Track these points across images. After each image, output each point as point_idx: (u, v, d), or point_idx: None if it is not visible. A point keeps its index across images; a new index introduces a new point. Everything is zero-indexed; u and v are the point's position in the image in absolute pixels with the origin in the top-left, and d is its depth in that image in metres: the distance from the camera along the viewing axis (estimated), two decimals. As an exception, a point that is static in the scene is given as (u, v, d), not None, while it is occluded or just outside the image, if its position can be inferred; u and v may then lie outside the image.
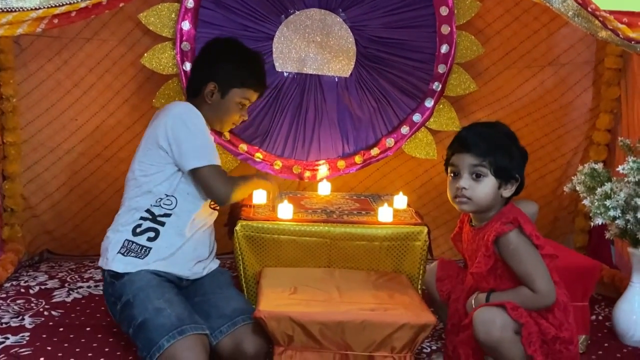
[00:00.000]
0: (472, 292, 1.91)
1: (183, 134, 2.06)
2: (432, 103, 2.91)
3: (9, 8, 1.94)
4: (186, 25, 2.73)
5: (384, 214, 2.32)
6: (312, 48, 2.86)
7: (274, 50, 2.84)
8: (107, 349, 2.08)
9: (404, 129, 2.94)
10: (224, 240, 2.41)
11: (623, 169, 2.17)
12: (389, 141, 2.94)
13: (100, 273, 2.13)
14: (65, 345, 2.10)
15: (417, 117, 2.93)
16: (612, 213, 2.13)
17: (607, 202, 2.14)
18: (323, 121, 2.92)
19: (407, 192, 2.66)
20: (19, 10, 1.95)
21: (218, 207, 2.26)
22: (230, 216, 2.48)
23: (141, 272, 2.02)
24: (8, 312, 2.34)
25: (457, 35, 2.85)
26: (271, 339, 1.88)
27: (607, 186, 2.18)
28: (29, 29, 2.02)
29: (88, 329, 2.22)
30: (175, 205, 2.09)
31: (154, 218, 2.08)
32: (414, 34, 2.86)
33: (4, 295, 2.50)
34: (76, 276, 2.76)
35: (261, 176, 2.36)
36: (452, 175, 1.88)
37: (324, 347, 1.86)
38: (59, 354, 2.03)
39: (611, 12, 2.13)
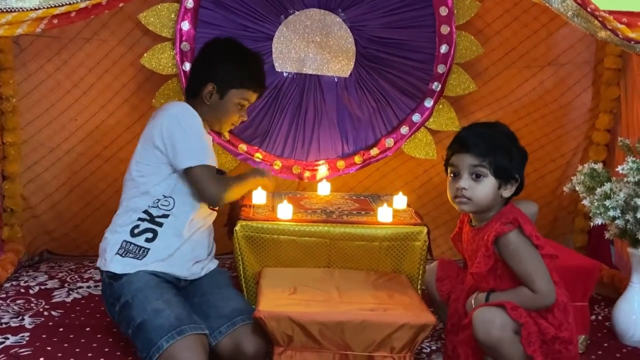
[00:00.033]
0: (472, 292, 1.91)
1: (177, 133, 2.06)
2: (432, 103, 2.91)
3: (9, 8, 1.94)
4: (186, 26, 2.73)
5: (384, 214, 2.32)
6: (312, 48, 2.86)
7: (273, 50, 2.84)
8: (106, 349, 2.08)
9: (404, 129, 2.94)
10: (224, 241, 2.41)
11: (622, 169, 2.17)
12: (389, 141, 2.94)
13: (100, 273, 2.12)
14: (65, 345, 2.10)
15: (416, 117, 2.93)
16: (611, 213, 2.13)
17: (607, 202, 2.14)
18: (322, 121, 2.92)
19: (406, 192, 2.66)
20: (19, 11, 1.95)
21: (217, 208, 2.26)
22: (229, 216, 2.48)
23: (139, 273, 2.01)
24: (8, 312, 2.34)
25: (457, 36, 2.85)
26: (271, 339, 1.88)
27: (607, 186, 2.18)
28: (29, 29, 2.02)
29: (88, 329, 2.22)
30: (173, 207, 2.08)
31: (151, 219, 2.07)
32: (413, 34, 2.86)
33: (3, 296, 2.50)
34: (76, 276, 2.76)
35: (257, 172, 2.32)
36: (452, 175, 1.88)
37: (323, 347, 1.86)
38: (59, 354, 2.03)
39: (610, 12, 2.13)
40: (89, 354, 2.04)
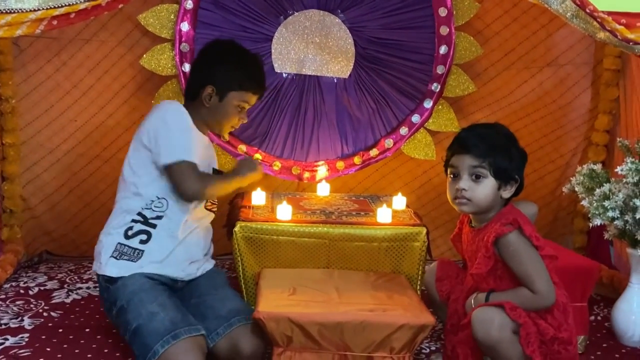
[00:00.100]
0: (471, 292, 1.91)
1: (161, 130, 2.04)
2: (431, 104, 2.92)
3: (8, 9, 1.94)
4: (185, 27, 2.73)
5: (383, 214, 2.32)
6: (311, 49, 2.86)
7: (273, 51, 2.84)
8: (106, 350, 2.08)
9: (403, 130, 2.94)
10: (223, 241, 2.41)
11: (622, 170, 2.17)
12: (388, 142, 2.94)
13: (96, 276, 2.12)
14: (65, 346, 2.10)
15: (416, 118, 2.93)
16: (610, 214, 2.13)
17: (606, 203, 2.14)
18: (322, 122, 2.92)
19: (406, 192, 2.66)
20: (18, 12, 1.95)
21: (215, 209, 2.25)
22: (229, 217, 2.48)
23: (134, 276, 2.00)
24: (7, 313, 2.34)
25: (456, 36, 2.85)
26: (270, 340, 1.88)
27: (606, 187, 2.18)
28: (28, 31, 2.02)
29: (87, 330, 2.22)
30: (167, 208, 2.07)
31: (145, 221, 2.06)
32: (412, 35, 2.87)
33: (3, 296, 2.50)
34: (75, 277, 2.76)
35: (244, 167, 2.20)
36: (451, 176, 1.88)
37: (323, 347, 1.86)
38: (58, 355, 2.03)
39: (609, 13, 2.13)
40: (89, 355, 2.04)
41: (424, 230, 2.28)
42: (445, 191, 1.92)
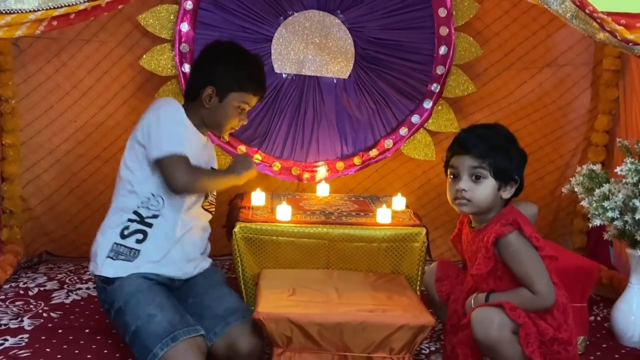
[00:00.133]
0: (471, 293, 1.91)
1: (154, 125, 2.03)
2: (431, 104, 2.92)
3: (8, 10, 1.94)
4: (185, 27, 2.73)
5: (383, 215, 2.32)
6: (311, 49, 2.87)
7: (272, 51, 2.84)
8: (105, 351, 2.08)
9: (403, 131, 2.94)
10: (223, 242, 2.41)
11: (621, 170, 2.17)
12: (388, 142, 2.94)
13: (93, 277, 2.11)
14: (64, 346, 2.10)
15: (415, 119, 2.93)
16: (610, 214, 2.13)
17: (606, 204, 2.14)
18: (322, 122, 2.92)
19: (405, 193, 2.66)
20: (18, 12, 1.94)
21: (213, 209, 2.24)
22: (228, 218, 2.48)
23: (131, 277, 1.99)
24: (7, 313, 2.34)
25: (456, 37, 2.85)
26: (269, 340, 1.88)
27: (606, 187, 2.18)
28: (28, 31, 2.02)
29: (87, 330, 2.22)
30: (163, 206, 2.05)
31: (141, 220, 2.04)
32: (412, 35, 2.87)
33: (2, 297, 2.50)
34: (75, 278, 2.76)
35: (239, 165, 2.18)
36: (451, 177, 1.88)
37: (322, 348, 1.86)
38: (58, 356, 2.03)
39: (609, 14, 2.13)
40: (88, 356, 2.05)
41: (424, 231, 2.28)
42: (444, 192, 1.92)
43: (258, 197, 2.51)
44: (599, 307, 2.61)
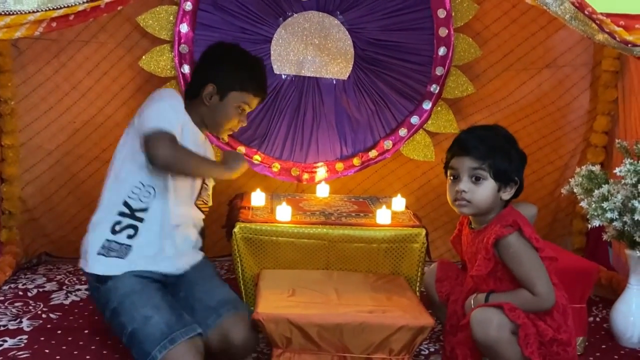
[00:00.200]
0: (471, 293, 1.91)
1: (148, 106, 2.03)
2: (430, 105, 2.92)
3: (7, 11, 1.94)
4: (184, 28, 2.73)
5: (382, 216, 2.33)
6: (310, 50, 2.87)
7: (272, 52, 2.84)
8: (105, 352, 2.08)
9: (402, 131, 2.94)
10: (223, 242, 2.41)
11: (620, 171, 2.17)
12: (387, 143, 2.95)
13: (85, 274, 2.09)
14: (63, 347, 2.09)
15: (415, 120, 2.94)
16: (609, 215, 2.14)
17: (605, 204, 2.14)
18: (321, 123, 2.92)
19: (405, 194, 2.66)
20: (17, 13, 1.94)
21: (206, 209, 2.22)
22: (228, 218, 2.48)
23: (125, 277, 1.97)
24: (6, 314, 2.34)
25: (455, 38, 2.85)
26: (269, 341, 1.88)
27: (605, 188, 2.18)
28: (27, 32, 2.01)
29: (86, 331, 2.22)
30: (154, 198, 2.03)
31: (132, 214, 2.02)
32: (411, 36, 2.87)
33: (2, 298, 2.49)
34: (74, 279, 2.76)
35: (229, 157, 2.14)
36: (451, 178, 1.89)
37: (322, 349, 1.86)
38: (57, 357, 2.03)
39: (608, 15, 2.13)
40: (87, 357, 2.04)
41: (423, 232, 2.28)
42: (444, 192, 1.92)
43: (258, 198, 2.51)
44: (598, 307, 2.61)
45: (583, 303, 2.19)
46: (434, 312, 2.07)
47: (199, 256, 2.19)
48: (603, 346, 2.28)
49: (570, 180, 2.34)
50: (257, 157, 2.88)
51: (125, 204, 2.03)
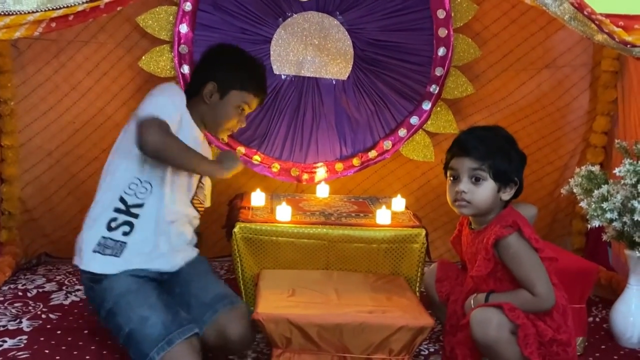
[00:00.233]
0: (471, 294, 1.91)
1: (147, 97, 2.04)
2: (430, 106, 2.92)
3: (7, 11, 1.94)
4: (184, 28, 2.73)
5: (382, 216, 2.33)
6: (310, 51, 2.87)
7: (271, 53, 2.84)
8: (104, 352, 2.07)
9: (402, 132, 2.94)
10: (223, 242, 2.41)
11: (620, 172, 2.17)
12: (387, 144, 2.95)
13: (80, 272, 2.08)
14: (63, 348, 2.09)
15: (414, 120, 2.94)
16: (609, 215, 2.14)
17: (604, 205, 2.14)
18: (321, 124, 2.92)
19: (405, 194, 2.66)
20: (17, 14, 1.94)
21: (202, 209, 2.22)
22: (228, 218, 2.48)
23: (120, 277, 1.96)
24: (6, 315, 2.34)
25: (454, 38, 2.85)
26: (268, 341, 1.88)
27: (604, 188, 2.18)
28: (27, 33, 2.02)
29: (85, 332, 2.22)
30: (150, 194, 2.02)
31: (127, 210, 2.01)
32: (411, 36, 2.87)
33: (1, 299, 2.49)
34: (74, 279, 2.75)
35: (224, 156, 2.11)
36: (451, 178, 1.89)
37: (322, 349, 1.86)
38: (57, 357, 2.03)
39: (607, 16, 2.14)
40: (87, 357, 2.04)
41: (423, 232, 2.28)
42: (444, 193, 1.92)
43: (258, 198, 2.51)
44: (597, 308, 2.61)
45: (583, 303, 2.19)
46: (434, 312, 2.07)
47: (193, 253, 2.18)
48: (603, 346, 2.28)
49: (569, 180, 2.34)
50: (256, 158, 2.88)
51: (122, 199, 2.02)
